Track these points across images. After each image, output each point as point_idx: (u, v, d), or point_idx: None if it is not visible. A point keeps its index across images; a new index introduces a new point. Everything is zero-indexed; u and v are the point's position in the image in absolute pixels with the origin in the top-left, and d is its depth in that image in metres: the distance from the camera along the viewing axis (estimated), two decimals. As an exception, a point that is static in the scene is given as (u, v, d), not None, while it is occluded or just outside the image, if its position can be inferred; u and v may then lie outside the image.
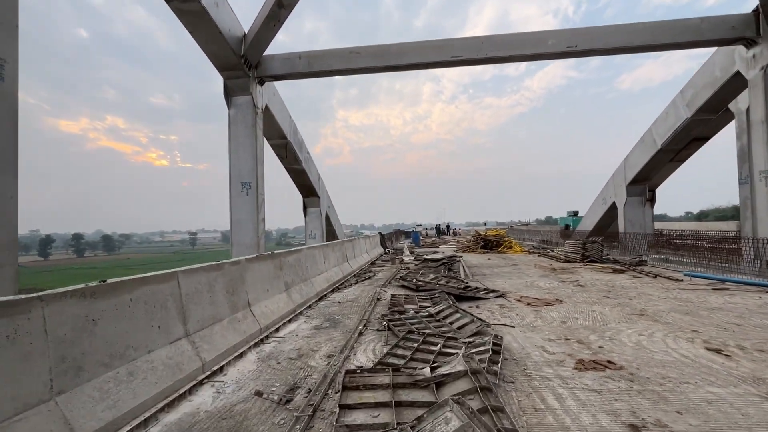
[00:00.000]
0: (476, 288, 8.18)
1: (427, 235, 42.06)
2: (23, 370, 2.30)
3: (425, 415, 2.54)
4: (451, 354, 4.16)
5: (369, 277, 11.31)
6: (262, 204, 10.82)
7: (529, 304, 6.80)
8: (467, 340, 4.64)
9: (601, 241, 14.62)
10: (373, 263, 15.73)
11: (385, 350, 4.57)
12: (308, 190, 16.81)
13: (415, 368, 3.57)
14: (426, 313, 6.07)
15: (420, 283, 8.79)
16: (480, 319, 5.39)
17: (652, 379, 3.50)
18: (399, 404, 2.92)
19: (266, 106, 11.64)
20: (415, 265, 13.91)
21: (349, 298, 8.13)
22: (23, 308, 2.37)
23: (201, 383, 3.67)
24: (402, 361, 3.94)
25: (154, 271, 3.66)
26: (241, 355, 4.46)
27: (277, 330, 5.55)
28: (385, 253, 20.66)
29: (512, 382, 3.54)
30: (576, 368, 3.81)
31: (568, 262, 13.94)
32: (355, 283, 10.13)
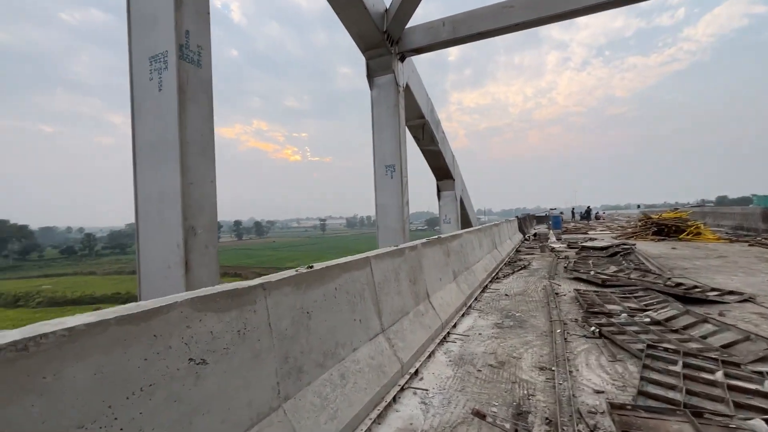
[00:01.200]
0: (695, 287, 6.14)
1: (563, 220, 37.33)
2: (254, 371, 1.93)
3: None
4: (749, 390, 2.75)
5: (524, 266, 9.93)
6: (406, 187, 10.39)
7: (814, 316, 4.63)
8: (761, 369, 3.10)
9: None
10: (518, 250, 14.14)
11: (619, 369, 3.40)
12: (443, 172, 15.99)
13: (730, 416, 2.33)
14: (647, 319, 4.59)
15: (605, 277, 7.11)
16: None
17: None
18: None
19: (407, 84, 11.11)
20: (576, 253, 11.87)
21: (515, 290, 7.01)
22: (249, 298, 2.01)
23: (402, 389, 3.12)
24: (675, 395, 2.71)
25: (349, 256, 3.23)
26: (430, 356, 3.83)
27: (454, 326, 4.84)
28: (525, 239, 18.65)
29: None
30: None
31: (811, 254, 10.02)
32: (512, 273, 8.92)
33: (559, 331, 4.53)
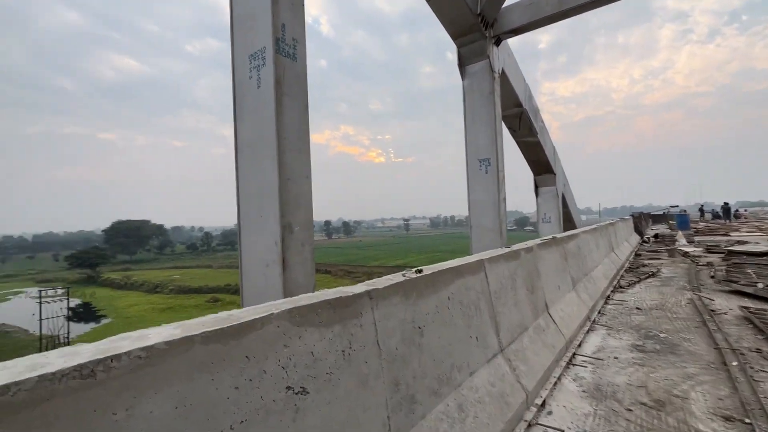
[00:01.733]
0: None
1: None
2: (360, 402, 1.54)
3: None
4: None
5: (652, 274, 8.28)
6: (503, 182, 9.45)
7: None
8: None
9: None
10: (637, 254, 12.07)
11: None
12: (542, 166, 14.42)
13: None
14: None
15: (785, 291, 5.41)
16: None
17: None
18: None
19: (502, 70, 10.14)
20: (722, 259, 9.61)
21: (648, 304, 5.73)
22: (354, 310, 1.62)
23: (530, 425, 2.50)
24: None
25: (460, 258, 2.71)
26: (557, 383, 3.11)
27: (579, 345, 3.99)
28: (644, 242, 15.96)
29: None
30: None
31: None
32: (637, 282, 7.45)
33: (735, 363, 3.41)
